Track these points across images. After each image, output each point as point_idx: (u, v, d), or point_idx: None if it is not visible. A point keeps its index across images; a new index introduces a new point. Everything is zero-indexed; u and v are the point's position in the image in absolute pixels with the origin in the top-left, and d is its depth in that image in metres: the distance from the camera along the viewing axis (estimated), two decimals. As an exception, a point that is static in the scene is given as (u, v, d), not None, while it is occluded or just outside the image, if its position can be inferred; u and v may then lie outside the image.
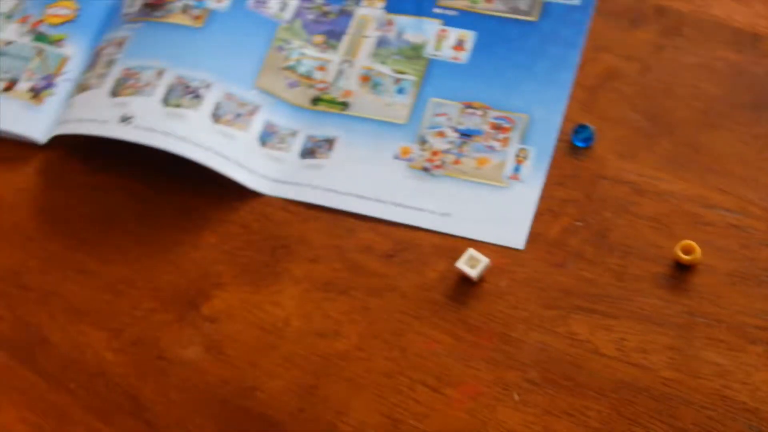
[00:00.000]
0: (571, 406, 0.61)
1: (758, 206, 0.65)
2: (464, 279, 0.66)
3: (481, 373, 0.64)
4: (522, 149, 0.71)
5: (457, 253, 0.67)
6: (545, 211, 0.69)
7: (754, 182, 0.66)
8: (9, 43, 0.82)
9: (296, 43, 0.78)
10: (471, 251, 0.66)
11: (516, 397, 0.62)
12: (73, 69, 0.82)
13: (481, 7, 0.77)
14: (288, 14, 0.79)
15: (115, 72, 0.77)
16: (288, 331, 0.68)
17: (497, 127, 0.72)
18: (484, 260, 0.66)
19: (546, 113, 0.72)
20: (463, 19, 0.77)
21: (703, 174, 0.67)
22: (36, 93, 0.80)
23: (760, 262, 0.63)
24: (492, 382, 0.63)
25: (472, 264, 0.66)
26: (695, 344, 0.61)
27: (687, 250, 0.63)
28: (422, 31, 0.77)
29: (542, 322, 0.64)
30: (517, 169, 0.70)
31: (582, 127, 0.70)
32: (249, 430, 0.65)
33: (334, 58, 0.78)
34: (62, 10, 0.83)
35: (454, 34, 0.77)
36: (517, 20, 0.77)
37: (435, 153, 0.72)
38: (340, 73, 0.77)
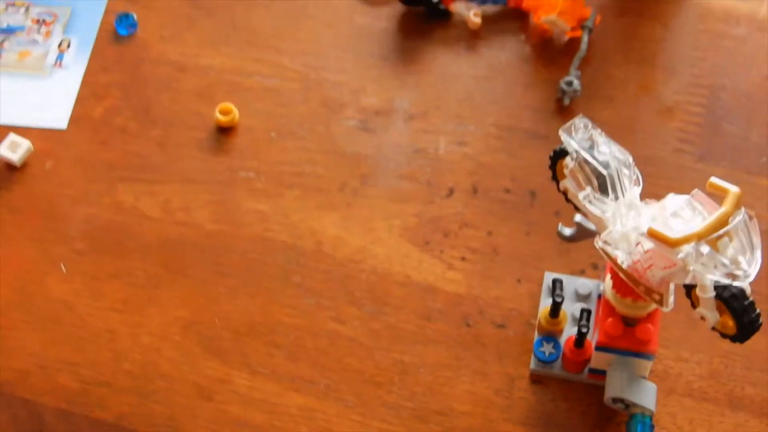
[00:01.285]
0: (119, 269, 0.59)
1: (292, 70, 0.66)
2: (8, 165, 0.63)
3: (26, 251, 0.61)
4: (64, 39, 0.67)
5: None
6: (89, 95, 0.67)
7: (288, 50, 0.68)
8: None
9: None
10: (12, 136, 0.63)
11: (63, 268, 0.59)
12: None
13: None
14: None
15: None
16: None
17: (40, 22, 0.67)
18: (24, 143, 0.62)
19: (89, 5, 0.71)
20: None
21: (241, 47, 0.68)
22: None
23: (294, 117, 0.64)
24: (38, 258, 0.60)
25: (13, 149, 0.60)
26: (237, 196, 0.61)
27: (224, 112, 0.63)
28: None
29: (88, 195, 0.62)
30: (60, 58, 0.68)
31: (125, 15, 0.68)
32: None
33: None
34: None
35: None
36: None
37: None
38: None
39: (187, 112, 0.66)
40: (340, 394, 0.54)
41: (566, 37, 0.66)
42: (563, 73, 0.64)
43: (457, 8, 0.67)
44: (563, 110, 0.62)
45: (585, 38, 0.64)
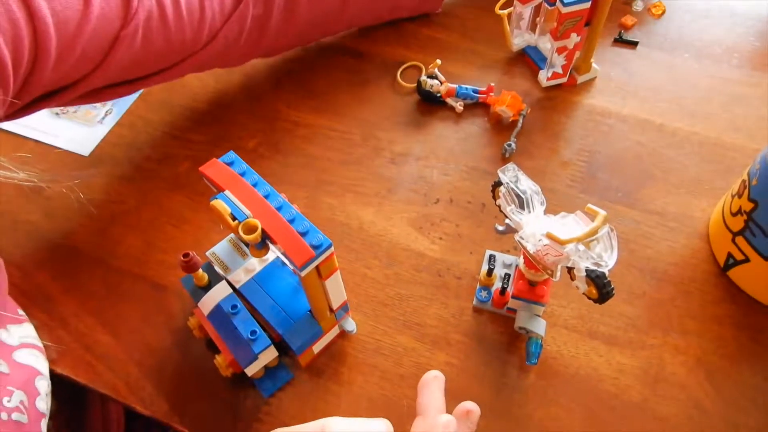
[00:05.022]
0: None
1: (356, 127, 0.55)
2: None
3: (203, 216, 0.55)
4: (109, 109, 0.60)
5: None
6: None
7: (355, 117, 0.60)
8: None
9: None
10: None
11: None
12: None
13: None
14: None
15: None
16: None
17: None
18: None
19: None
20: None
21: (322, 114, 0.57)
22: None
23: (354, 154, 0.54)
24: (210, 225, 0.54)
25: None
26: (320, 196, 0.53)
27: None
28: None
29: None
30: (102, 118, 0.57)
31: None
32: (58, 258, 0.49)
33: None
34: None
35: None
36: None
37: None
38: None
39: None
40: (363, 309, 0.49)
41: (510, 120, 0.58)
42: (507, 139, 0.57)
43: (450, 101, 0.60)
44: (505, 160, 0.55)
45: (521, 120, 0.57)
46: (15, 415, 0.34)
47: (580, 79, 0.60)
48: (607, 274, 0.36)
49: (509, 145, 0.56)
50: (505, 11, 0.59)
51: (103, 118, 0.63)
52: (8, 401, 0.34)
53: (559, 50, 0.55)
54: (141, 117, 0.63)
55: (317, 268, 0.36)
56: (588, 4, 0.51)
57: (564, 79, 0.59)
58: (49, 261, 0.52)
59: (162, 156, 0.59)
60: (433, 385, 0.34)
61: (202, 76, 0.63)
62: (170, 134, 0.61)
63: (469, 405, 0.33)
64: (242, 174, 0.38)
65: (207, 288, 0.44)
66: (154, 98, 0.64)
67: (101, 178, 0.58)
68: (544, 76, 0.59)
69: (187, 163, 0.59)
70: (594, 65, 0.60)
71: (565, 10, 0.51)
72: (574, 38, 0.54)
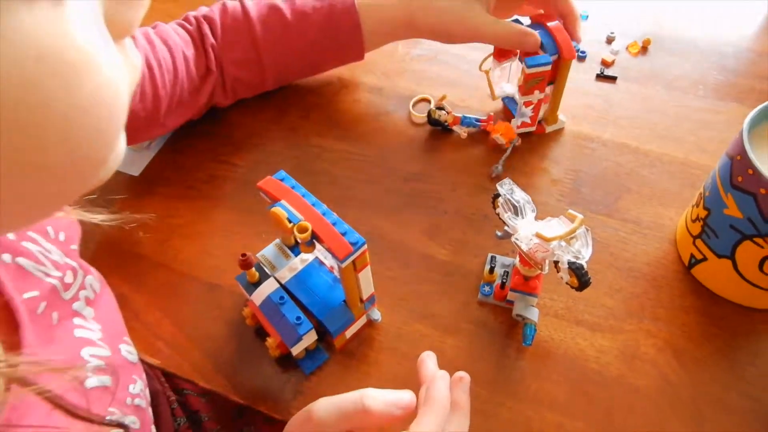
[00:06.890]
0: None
1: (377, 159, 0.64)
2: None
3: (249, 228, 0.63)
4: (154, 140, 0.68)
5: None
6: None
7: (382, 150, 0.68)
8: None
9: None
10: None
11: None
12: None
13: None
14: None
15: None
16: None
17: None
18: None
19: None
20: None
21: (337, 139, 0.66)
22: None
23: (374, 177, 0.61)
24: (253, 235, 0.62)
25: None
26: (345, 209, 0.59)
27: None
28: None
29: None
30: (148, 145, 0.67)
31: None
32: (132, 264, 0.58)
33: None
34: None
35: None
36: None
37: None
38: None
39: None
40: (385, 303, 0.56)
41: (505, 146, 0.67)
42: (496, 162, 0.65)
43: (455, 128, 0.69)
44: (493, 180, 0.64)
45: (510, 148, 0.66)
46: (138, 401, 0.38)
47: (549, 128, 0.68)
48: (585, 265, 0.45)
49: (496, 168, 0.65)
50: (489, 68, 0.69)
51: (150, 143, 0.72)
52: (133, 387, 0.39)
53: (526, 104, 0.65)
54: (188, 144, 0.72)
55: (353, 261, 0.45)
56: (549, 67, 0.61)
57: (533, 128, 0.68)
58: (121, 267, 0.61)
59: (209, 177, 0.69)
60: (428, 360, 0.43)
61: (241, 111, 0.73)
62: (215, 159, 0.71)
63: (461, 373, 0.42)
64: (293, 187, 0.47)
65: (258, 284, 0.53)
66: (198, 129, 0.74)
67: (156, 196, 0.67)
68: (515, 124, 0.68)
69: (232, 183, 0.68)
70: (560, 117, 0.68)
71: (528, 71, 0.61)
72: (538, 95, 0.63)
